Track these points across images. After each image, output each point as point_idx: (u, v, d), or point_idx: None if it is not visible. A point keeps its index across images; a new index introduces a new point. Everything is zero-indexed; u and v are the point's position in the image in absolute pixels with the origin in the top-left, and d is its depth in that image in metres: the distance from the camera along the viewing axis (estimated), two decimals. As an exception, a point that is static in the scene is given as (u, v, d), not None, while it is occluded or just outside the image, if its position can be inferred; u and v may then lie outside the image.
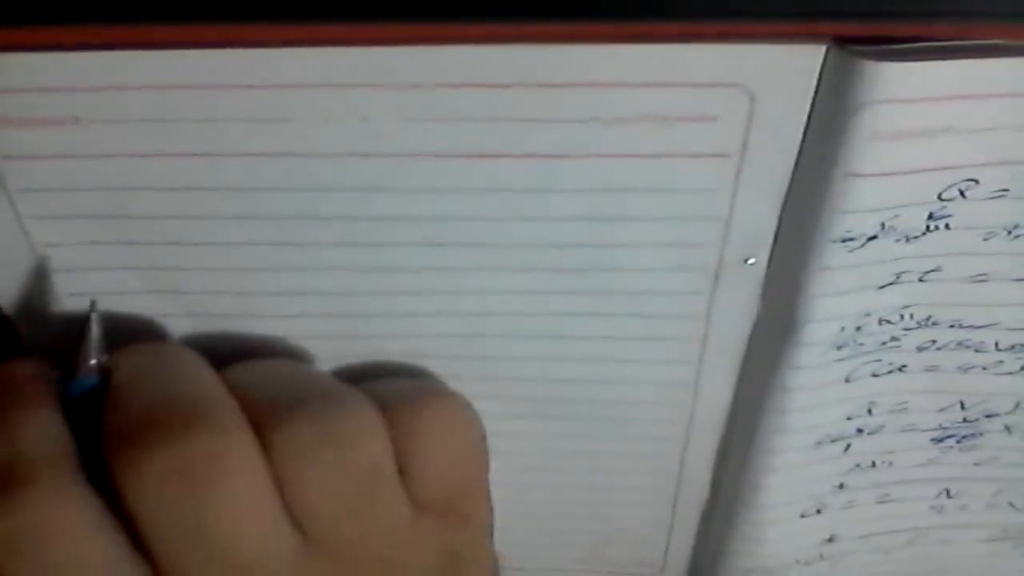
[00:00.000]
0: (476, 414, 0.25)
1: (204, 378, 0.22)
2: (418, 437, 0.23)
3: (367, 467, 0.22)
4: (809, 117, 0.21)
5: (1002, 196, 0.22)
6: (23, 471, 0.19)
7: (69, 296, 0.24)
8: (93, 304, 0.22)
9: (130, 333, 0.25)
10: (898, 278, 0.24)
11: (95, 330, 0.22)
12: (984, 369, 0.26)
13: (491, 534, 0.26)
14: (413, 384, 0.26)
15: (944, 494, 0.31)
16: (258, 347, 0.25)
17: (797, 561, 0.32)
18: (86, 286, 0.24)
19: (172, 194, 0.22)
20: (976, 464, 0.29)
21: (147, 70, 0.20)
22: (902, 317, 0.25)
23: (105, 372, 0.22)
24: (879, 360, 0.26)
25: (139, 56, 0.20)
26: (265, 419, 0.21)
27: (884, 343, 0.25)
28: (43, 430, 0.20)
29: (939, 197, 0.22)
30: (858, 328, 0.25)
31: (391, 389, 0.24)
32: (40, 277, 0.24)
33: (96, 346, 0.22)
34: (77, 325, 0.22)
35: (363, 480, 0.22)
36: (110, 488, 0.20)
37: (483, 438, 0.25)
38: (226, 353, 0.24)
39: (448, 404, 0.24)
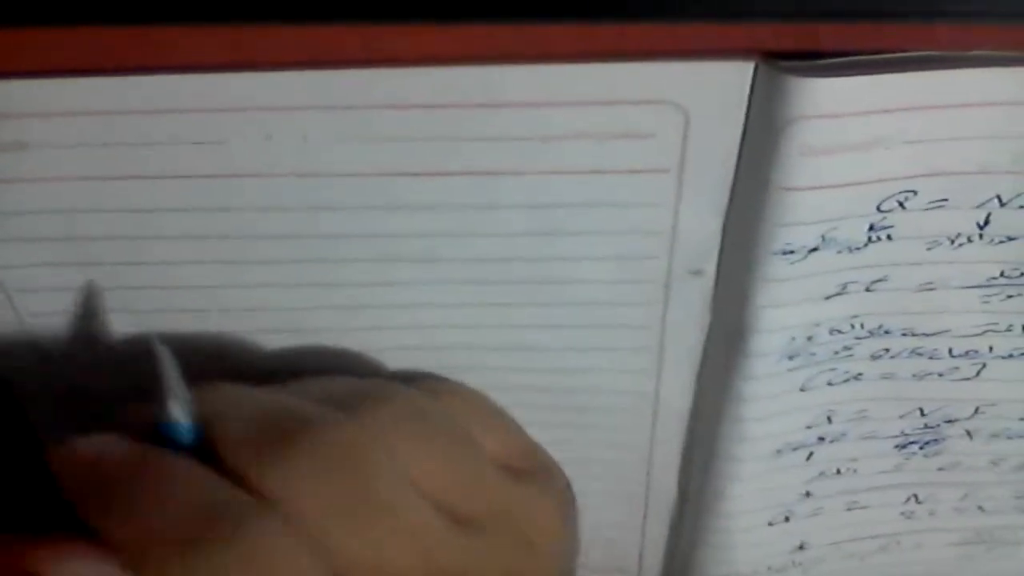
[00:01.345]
0: None
1: (273, 393, 0.22)
2: (468, 415, 0.23)
3: (462, 436, 0.22)
4: (744, 132, 0.21)
5: (941, 206, 0.22)
6: (208, 513, 0.18)
7: (30, 316, 0.25)
8: (157, 341, 0.20)
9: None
10: (844, 288, 0.24)
11: (173, 368, 0.20)
12: (940, 376, 0.26)
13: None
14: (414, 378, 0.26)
15: (912, 500, 0.31)
16: (217, 366, 0.26)
17: (769, 568, 0.32)
18: (44, 306, 0.24)
19: (119, 216, 0.22)
20: (941, 469, 0.29)
21: (90, 95, 0.20)
22: (852, 326, 0.25)
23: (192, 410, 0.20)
24: (834, 369, 0.26)
25: (83, 82, 0.20)
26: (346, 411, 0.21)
27: (837, 352, 0.25)
28: (180, 479, 0.19)
29: (878, 209, 0.22)
30: (809, 338, 0.25)
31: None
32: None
33: (181, 384, 0.20)
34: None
35: (466, 451, 0.22)
36: None
37: None
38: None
39: (457, 383, 0.25)
